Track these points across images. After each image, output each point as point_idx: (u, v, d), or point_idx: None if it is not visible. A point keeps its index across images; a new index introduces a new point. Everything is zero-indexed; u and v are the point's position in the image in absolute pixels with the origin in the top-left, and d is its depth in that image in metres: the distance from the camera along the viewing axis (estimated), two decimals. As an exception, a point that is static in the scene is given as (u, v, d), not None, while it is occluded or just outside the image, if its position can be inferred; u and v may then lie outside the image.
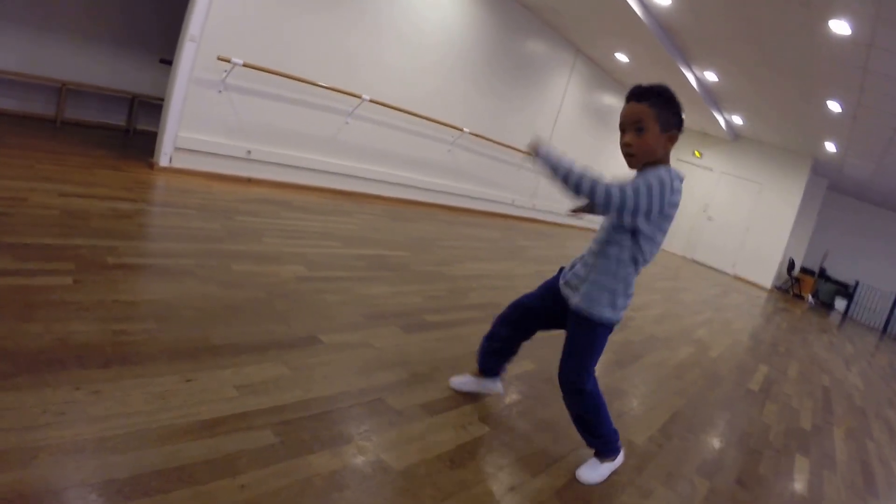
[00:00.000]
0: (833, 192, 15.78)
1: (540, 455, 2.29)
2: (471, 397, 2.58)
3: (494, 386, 2.61)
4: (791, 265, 14.61)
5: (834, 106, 8.33)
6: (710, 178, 14.66)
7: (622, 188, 1.83)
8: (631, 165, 2.02)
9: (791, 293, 14.68)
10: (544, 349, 3.42)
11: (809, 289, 14.74)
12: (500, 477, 2.05)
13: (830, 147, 11.07)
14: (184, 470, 1.57)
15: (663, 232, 2.00)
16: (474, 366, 2.61)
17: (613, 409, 3.00)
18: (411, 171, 8.01)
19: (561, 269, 2.31)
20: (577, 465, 2.27)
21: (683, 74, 9.10)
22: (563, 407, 2.27)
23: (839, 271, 15.67)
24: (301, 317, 2.92)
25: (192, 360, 2.16)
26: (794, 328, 8.55)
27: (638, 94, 1.95)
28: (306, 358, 2.48)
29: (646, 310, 5.88)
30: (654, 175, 1.88)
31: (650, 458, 2.57)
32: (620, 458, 2.36)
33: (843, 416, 4.35)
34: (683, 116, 1.99)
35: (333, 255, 4.26)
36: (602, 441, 2.27)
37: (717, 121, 12.12)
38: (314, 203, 5.98)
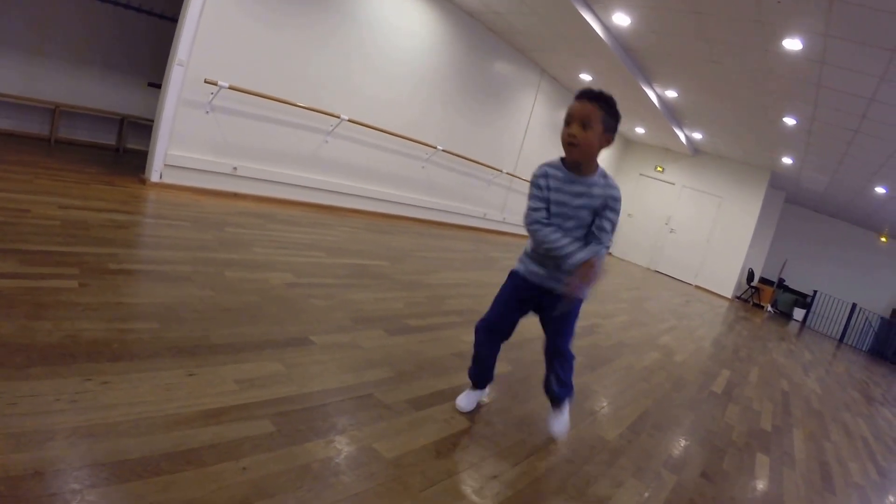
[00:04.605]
0: (791, 204, 15.93)
1: (518, 447, 2.36)
2: (453, 396, 2.65)
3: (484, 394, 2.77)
4: (751, 275, 14.76)
5: (790, 121, 8.45)
6: (672, 191, 14.73)
7: (608, 233, 2.19)
8: (570, 155, 2.18)
9: (751, 303, 14.75)
10: (519, 352, 3.54)
11: (769, 298, 14.77)
12: (482, 466, 2.12)
13: (787, 160, 11.22)
14: (191, 453, 1.63)
15: None
16: (455, 365, 2.68)
17: (585, 408, 3.10)
18: (388, 187, 8.12)
19: (514, 273, 2.45)
20: (554, 458, 2.37)
21: (645, 92, 9.22)
22: (538, 405, 2.40)
23: (797, 281, 15.82)
24: (292, 319, 2.99)
25: (193, 356, 2.22)
26: (755, 336, 8.70)
27: (590, 96, 2.13)
28: (300, 357, 2.55)
29: (613, 317, 5.99)
30: (620, 202, 2.21)
31: (621, 453, 2.65)
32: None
33: (801, 418, 4.46)
34: (619, 126, 2.24)
35: (318, 264, 4.32)
36: (571, 388, 2.55)
37: (677, 136, 12.19)
38: (297, 216, 6.05)
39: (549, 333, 2.42)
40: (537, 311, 2.43)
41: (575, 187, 2.19)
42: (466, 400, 2.63)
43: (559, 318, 2.35)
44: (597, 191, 2.17)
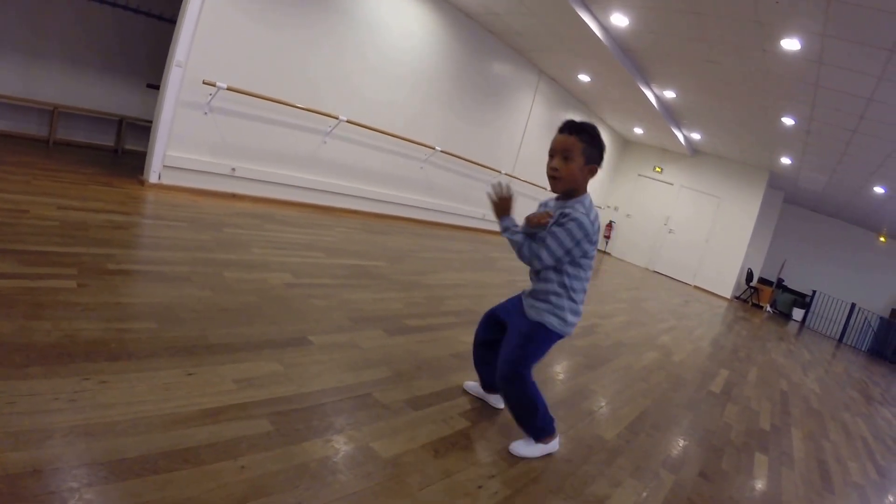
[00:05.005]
0: (789, 204, 15.90)
1: (517, 447, 2.36)
2: (451, 396, 2.66)
3: (497, 402, 2.72)
4: (750, 276, 14.76)
5: (788, 121, 8.45)
6: (671, 192, 14.71)
7: (543, 242, 2.14)
8: (554, 188, 2.23)
9: (750, 303, 14.74)
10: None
11: (768, 298, 14.78)
12: (481, 466, 2.12)
13: (786, 161, 11.21)
14: (189, 451, 1.64)
15: (589, 258, 2.22)
16: (454, 365, 2.70)
17: (583, 408, 3.10)
18: (386, 188, 8.13)
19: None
20: (552, 457, 2.37)
21: (643, 92, 9.23)
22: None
23: (796, 281, 15.80)
24: (291, 319, 2.99)
25: (192, 356, 2.22)
26: (754, 336, 8.71)
27: (570, 128, 2.15)
28: (298, 357, 2.55)
29: (612, 317, 6.00)
30: (572, 221, 2.09)
31: (619, 453, 2.65)
32: (555, 445, 2.43)
33: (800, 417, 4.46)
34: (604, 156, 2.22)
35: (317, 264, 4.33)
36: (533, 427, 2.36)
37: (675, 136, 12.17)
38: (295, 217, 6.05)
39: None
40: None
41: (551, 210, 2.26)
42: (473, 384, 2.79)
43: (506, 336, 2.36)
44: (558, 210, 2.19)
